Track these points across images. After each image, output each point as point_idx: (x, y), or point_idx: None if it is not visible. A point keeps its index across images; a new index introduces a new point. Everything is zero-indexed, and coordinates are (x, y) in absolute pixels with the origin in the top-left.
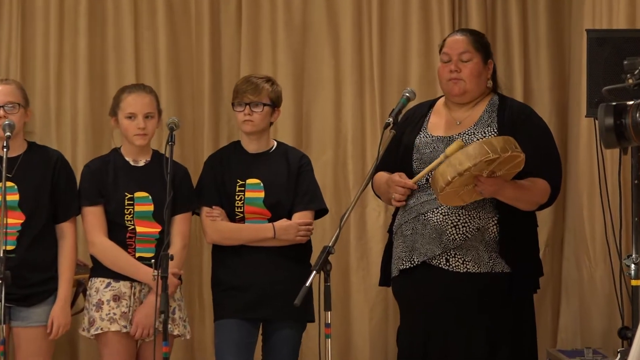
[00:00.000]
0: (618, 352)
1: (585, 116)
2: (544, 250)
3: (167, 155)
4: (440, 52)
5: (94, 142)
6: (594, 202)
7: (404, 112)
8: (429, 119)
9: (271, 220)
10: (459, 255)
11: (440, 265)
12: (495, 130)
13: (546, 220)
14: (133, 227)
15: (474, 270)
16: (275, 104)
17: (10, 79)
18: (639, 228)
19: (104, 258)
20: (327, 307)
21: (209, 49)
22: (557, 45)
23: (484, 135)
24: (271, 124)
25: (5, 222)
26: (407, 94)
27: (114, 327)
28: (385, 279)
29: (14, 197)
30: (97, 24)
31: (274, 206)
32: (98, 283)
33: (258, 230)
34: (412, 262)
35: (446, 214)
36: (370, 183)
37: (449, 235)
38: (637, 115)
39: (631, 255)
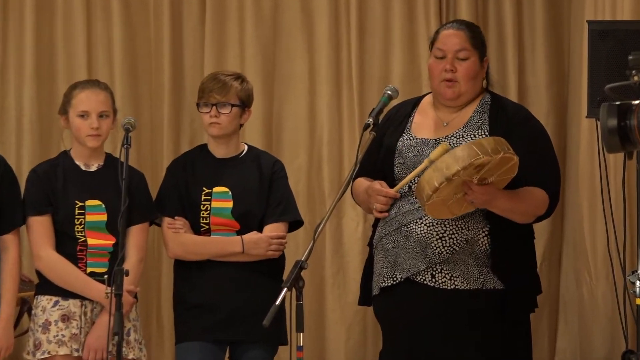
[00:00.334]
0: None
1: (586, 117)
2: (540, 265)
3: (122, 159)
4: (432, 46)
5: (41, 145)
6: (596, 212)
7: (385, 111)
8: (413, 119)
9: (240, 232)
10: (446, 270)
11: (425, 282)
12: (487, 133)
13: (542, 232)
14: (84, 239)
15: (462, 287)
16: (245, 104)
17: None
18: None
19: (52, 273)
20: (299, 328)
21: (170, 42)
22: (555, 38)
23: (474, 138)
24: (241, 125)
25: None
26: (389, 92)
27: (63, 351)
28: (365, 298)
29: None
30: (44, 15)
31: (243, 217)
32: (45, 301)
33: (225, 244)
34: (395, 278)
35: (431, 224)
36: (350, 190)
37: (435, 248)
38: None
39: (636, 271)
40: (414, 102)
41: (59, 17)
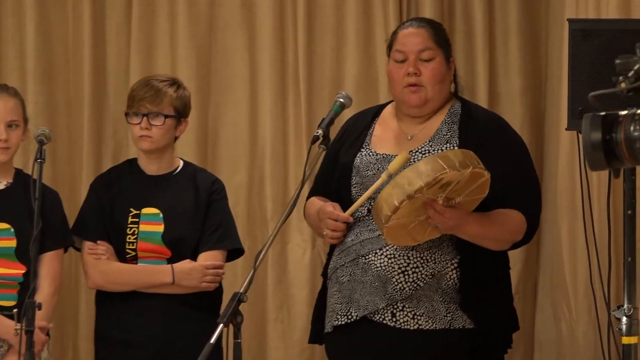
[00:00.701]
0: None
1: (566, 129)
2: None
3: (35, 176)
4: (391, 49)
5: None
6: (576, 238)
7: (336, 122)
8: (372, 131)
9: (171, 260)
10: (409, 308)
11: (384, 321)
12: (457, 147)
13: (515, 260)
14: None
15: (427, 327)
16: (181, 114)
17: None
18: (632, 271)
19: None
20: None
21: (90, 41)
22: (532, 38)
23: None
24: (176, 138)
25: None
26: (341, 100)
27: None
28: (317, 335)
29: None
30: None
31: (175, 243)
32: None
33: (153, 274)
34: (350, 316)
35: (392, 257)
36: (298, 211)
37: (396, 284)
38: (632, 128)
39: (622, 306)
40: (374, 112)
41: None
